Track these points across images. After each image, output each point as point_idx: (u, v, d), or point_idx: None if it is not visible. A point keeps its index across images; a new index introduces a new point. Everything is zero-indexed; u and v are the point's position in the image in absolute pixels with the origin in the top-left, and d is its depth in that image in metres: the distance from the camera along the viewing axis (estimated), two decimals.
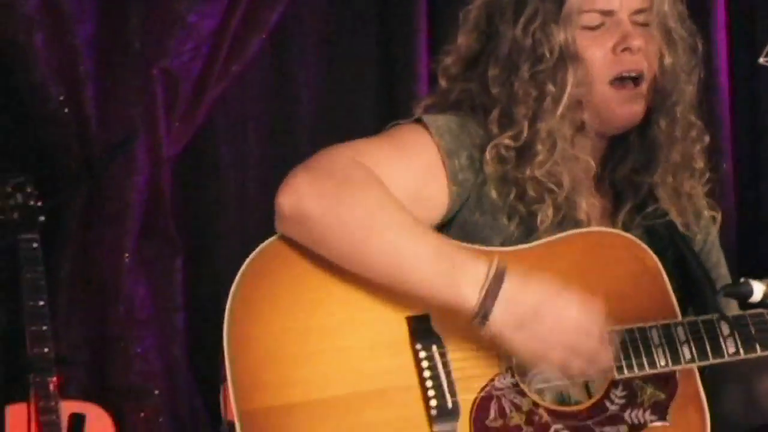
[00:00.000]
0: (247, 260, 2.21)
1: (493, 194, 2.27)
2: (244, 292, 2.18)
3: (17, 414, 3.59)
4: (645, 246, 2.24)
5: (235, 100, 4.42)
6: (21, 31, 4.04)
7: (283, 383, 2.12)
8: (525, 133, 2.25)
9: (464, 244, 2.18)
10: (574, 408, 2.15)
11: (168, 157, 4.25)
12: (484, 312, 2.05)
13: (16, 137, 4.22)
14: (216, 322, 4.14)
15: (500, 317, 2.05)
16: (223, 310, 4.11)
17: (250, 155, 4.46)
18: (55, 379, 3.76)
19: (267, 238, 4.13)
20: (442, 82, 2.39)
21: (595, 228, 2.30)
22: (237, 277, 2.19)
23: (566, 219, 2.26)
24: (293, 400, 2.11)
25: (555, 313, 2.07)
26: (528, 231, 2.26)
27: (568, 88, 2.26)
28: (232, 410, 2.10)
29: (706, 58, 2.48)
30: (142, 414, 4.10)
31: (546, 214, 2.24)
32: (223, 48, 4.24)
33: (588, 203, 2.30)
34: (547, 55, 2.25)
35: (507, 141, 2.26)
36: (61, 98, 4.12)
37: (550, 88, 2.26)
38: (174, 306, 4.28)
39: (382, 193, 2.16)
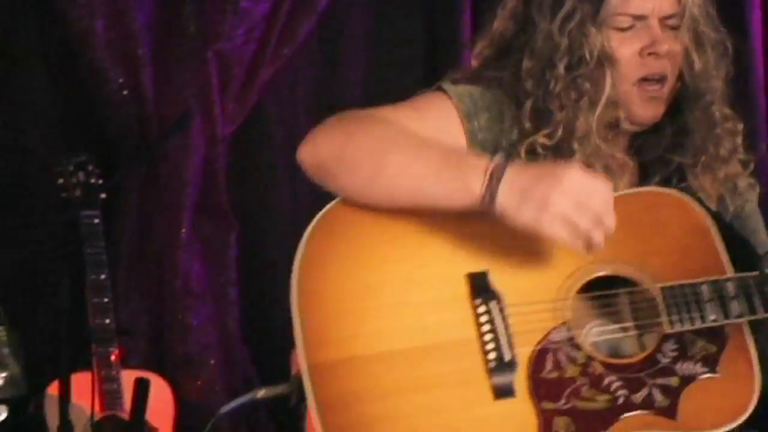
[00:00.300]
0: (313, 221, 2.19)
1: None
2: (311, 251, 2.16)
3: (82, 382, 3.60)
4: (696, 204, 2.22)
5: (286, 82, 4.42)
6: (83, 18, 4.07)
7: (348, 337, 2.12)
8: (561, 132, 2.26)
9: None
10: (627, 361, 2.13)
11: (222, 136, 4.28)
12: (490, 194, 2.04)
13: (78, 119, 4.25)
14: (268, 295, 4.22)
15: (504, 196, 2.04)
16: (274, 284, 4.17)
17: (301, 134, 4.36)
18: (115, 349, 3.77)
19: (316, 214, 4.17)
20: (475, 64, 2.40)
21: (647, 188, 2.30)
22: (304, 237, 2.17)
23: None
24: (358, 353, 2.11)
25: (557, 178, 2.04)
26: None
27: (607, 89, 2.26)
28: (301, 364, 2.11)
29: (740, 38, 2.46)
30: (199, 383, 4.12)
31: None
32: (274, 32, 4.26)
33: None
34: (587, 57, 2.25)
35: (542, 139, 2.26)
36: (121, 81, 4.14)
37: (589, 89, 2.27)
38: (228, 280, 4.30)
39: (389, 125, 2.18)
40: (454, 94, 2.27)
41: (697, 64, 2.31)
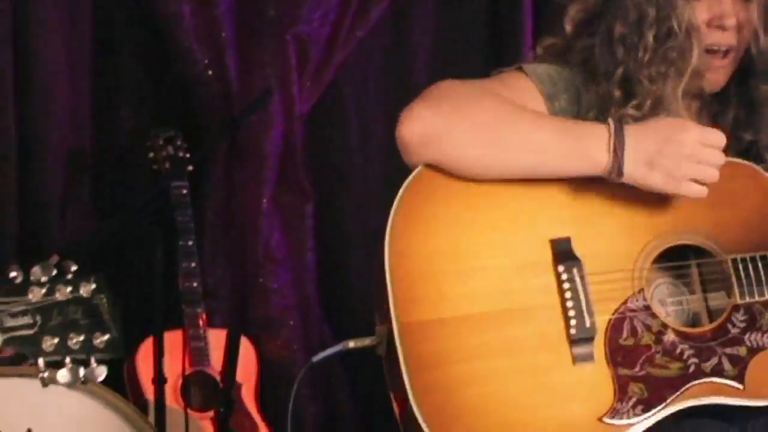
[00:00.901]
0: (403, 186, 2.18)
1: None
2: (402, 214, 2.16)
3: (173, 340, 3.67)
4: None
5: (359, 63, 4.41)
6: (171, 3, 4.08)
7: (436, 298, 2.12)
8: (649, 103, 2.23)
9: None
10: (699, 330, 2.13)
11: (300, 113, 4.26)
12: (618, 167, 2.05)
13: (167, 97, 4.27)
14: (342, 261, 4.27)
15: (632, 166, 2.05)
16: (348, 251, 4.22)
17: (372, 112, 4.45)
18: (203, 310, 3.80)
19: (387, 185, 4.18)
20: (568, 27, 2.33)
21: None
22: (395, 201, 2.17)
23: None
24: (445, 314, 2.11)
25: (680, 144, 2.06)
26: None
27: (693, 60, 2.23)
28: (390, 319, 2.11)
29: None
30: (279, 342, 4.13)
31: None
32: (348, 15, 4.25)
33: None
34: (676, 29, 2.21)
35: (631, 111, 2.22)
36: (206, 62, 4.14)
37: (676, 60, 2.23)
38: (305, 247, 4.31)
39: (496, 97, 2.16)
40: (534, 76, 2.24)
41: (763, 41, 2.27)
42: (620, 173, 2.05)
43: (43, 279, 1.63)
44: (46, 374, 1.63)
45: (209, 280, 4.01)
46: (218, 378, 3.77)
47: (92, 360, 1.66)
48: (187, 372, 3.77)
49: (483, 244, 2.16)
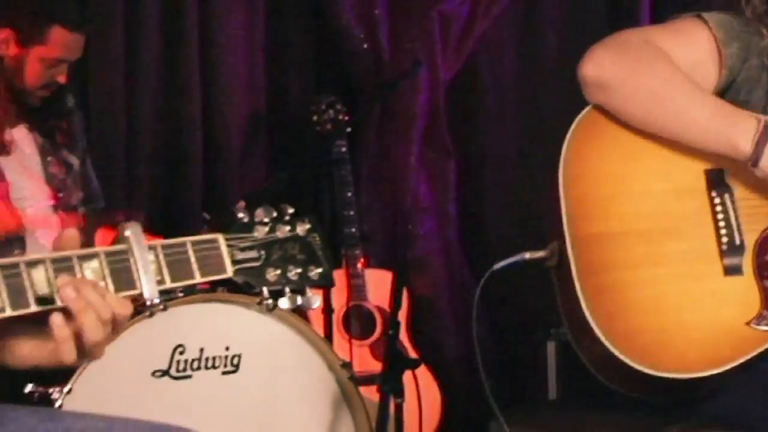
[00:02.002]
0: (576, 120, 2.20)
1: None
2: (574, 144, 2.18)
3: (336, 278, 3.77)
4: None
5: (494, 36, 4.41)
6: None
7: (603, 215, 2.14)
8: None
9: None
10: None
11: (443, 80, 4.27)
12: (755, 158, 2.03)
13: (328, 67, 4.32)
14: (480, 211, 4.31)
15: (766, 161, 2.03)
16: (485, 202, 4.26)
17: (506, 80, 4.45)
18: (360, 252, 3.85)
19: (519, 143, 4.23)
20: None
21: None
22: (569, 133, 2.19)
23: None
24: (611, 229, 2.13)
25: None
26: None
27: None
28: (562, 233, 2.14)
29: None
30: (425, 280, 4.17)
31: None
32: None
33: None
34: None
35: None
36: (362, 36, 4.17)
37: None
38: (448, 198, 4.33)
39: (669, 65, 2.12)
40: (712, 23, 2.17)
41: None
42: (756, 164, 2.03)
43: (266, 219, 1.64)
44: (270, 301, 1.64)
45: (365, 226, 4.02)
46: (374, 311, 3.87)
47: (307, 290, 1.67)
48: (348, 305, 3.85)
49: (646, 171, 2.18)
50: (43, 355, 1.52)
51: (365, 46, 4.20)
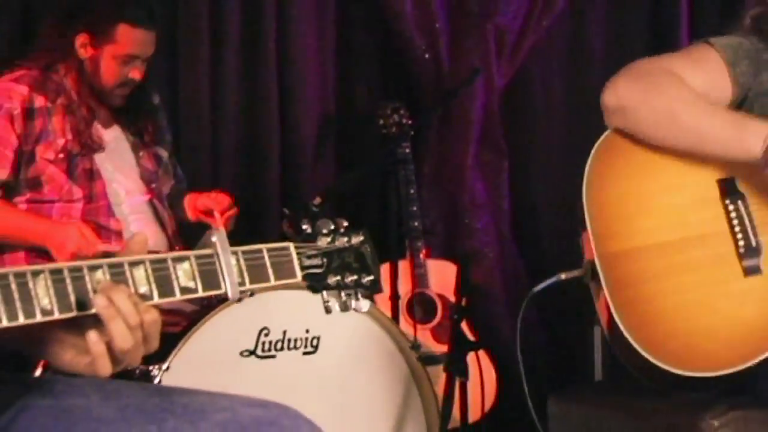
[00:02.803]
0: (596, 144, 2.22)
1: None
2: (595, 167, 2.19)
3: (404, 266, 3.82)
4: None
5: (544, 47, 4.43)
6: (397, 2, 4.14)
7: (627, 232, 2.15)
8: None
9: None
10: None
11: (498, 87, 4.30)
12: (766, 161, 2.03)
13: (393, 76, 4.34)
14: (532, 207, 4.32)
15: None
16: (535, 199, 4.26)
17: (554, 86, 4.47)
18: (422, 243, 3.85)
19: (567, 146, 4.23)
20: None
21: None
22: (590, 157, 2.21)
23: None
24: (636, 244, 2.14)
25: None
26: None
27: None
28: (592, 253, 2.15)
29: None
30: (481, 270, 4.16)
31: None
32: (536, 9, 4.29)
33: None
34: None
35: None
36: (423, 48, 4.19)
37: None
38: (501, 195, 4.35)
39: (681, 86, 2.13)
40: (719, 46, 2.19)
41: None
42: (766, 166, 2.03)
43: (325, 231, 1.67)
44: (329, 303, 1.67)
45: (427, 221, 4.02)
46: (436, 298, 3.89)
47: (359, 295, 1.70)
48: (413, 293, 3.88)
49: (662, 187, 2.19)
50: (80, 367, 1.49)
51: (427, 56, 4.21)
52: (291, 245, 1.62)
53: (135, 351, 1.45)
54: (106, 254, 2.97)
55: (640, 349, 2.06)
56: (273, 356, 2.84)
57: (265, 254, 1.58)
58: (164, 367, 2.62)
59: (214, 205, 3.29)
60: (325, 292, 1.66)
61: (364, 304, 1.69)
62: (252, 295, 2.75)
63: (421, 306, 3.89)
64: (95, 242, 2.99)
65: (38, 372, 2.36)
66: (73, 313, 1.40)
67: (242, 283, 1.55)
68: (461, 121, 4.25)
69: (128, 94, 3.27)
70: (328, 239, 1.67)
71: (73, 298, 1.39)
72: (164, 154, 3.41)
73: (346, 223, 1.70)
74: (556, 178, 4.36)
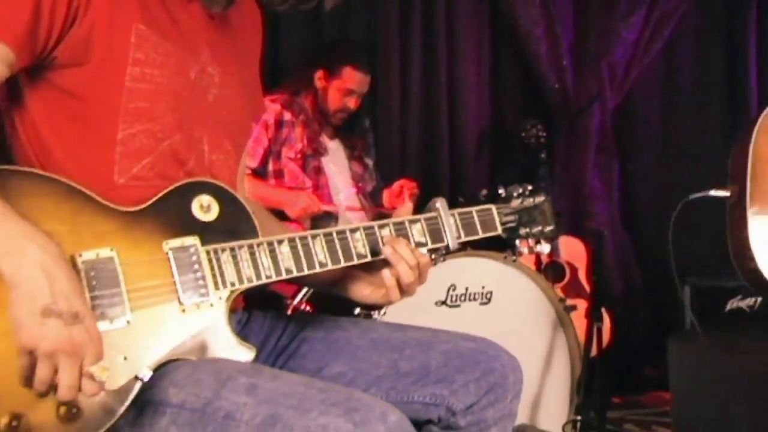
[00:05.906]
0: (761, 117, 2.11)
1: None
2: (760, 137, 2.04)
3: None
4: None
5: (646, 77, 4.40)
6: (533, 44, 4.22)
7: None
8: None
9: None
10: None
11: (610, 108, 4.38)
12: None
13: (532, 99, 4.36)
14: (636, 197, 4.23)
15: None
16: (641, 191, 4.17)
17: (653, 107, 4.44)
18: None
19: (662, 149, 4.11)
20: None
21: None
22: (757, 123, 2.05)
23: None
24: None
25: None
26: None
27: None
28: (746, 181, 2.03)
29: None
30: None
31: None
32: (639, 48, 4.38)
33: None
34: None
35: None
36: (554, 79, 4.26)
37: None
38: (613, 188, 4.36)
39: None
40: None
41: None
42: None
43: (515, 194, 1.67)
44: (520, 248, 1.66)
45: (557, 207, 4.00)
46: (565, 264, 4.07)
47: (542, 241, 1.70)
48: (549, 259, 3.91)
49: None
50: (377, 297, 1.53)
51: (557, 86, 4.34)
52: (493, 207, 1.65)
53: (414, 284, 1.53)
54: (326, 213, 3.07)
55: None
56: (458, 306, 2.88)
57: (474, 215, 1.61)
58: (382, 312, 2.74)
59: (404, 183, 3.40)
60: (517, 241, 1.68)
61: (545, 248, 1.71)
62: (444, 260, 2.84)
63: (554, 270, 4.02)
64: (319, 204, 3.20)
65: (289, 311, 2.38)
66: (369, 259, 1.51)
67: (458, 237, 1.58)
68: (583, 134, 4.38)
69: (346, 118, 3.46)
70: (519, 201, 1.68)
71: (368, 248, 1.52)
72: (370, 163, 3.70)
73: (530, 187, 1.73)
74: (654, 176, 4.31)
